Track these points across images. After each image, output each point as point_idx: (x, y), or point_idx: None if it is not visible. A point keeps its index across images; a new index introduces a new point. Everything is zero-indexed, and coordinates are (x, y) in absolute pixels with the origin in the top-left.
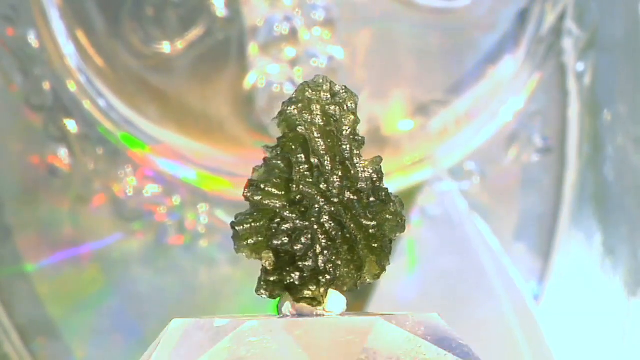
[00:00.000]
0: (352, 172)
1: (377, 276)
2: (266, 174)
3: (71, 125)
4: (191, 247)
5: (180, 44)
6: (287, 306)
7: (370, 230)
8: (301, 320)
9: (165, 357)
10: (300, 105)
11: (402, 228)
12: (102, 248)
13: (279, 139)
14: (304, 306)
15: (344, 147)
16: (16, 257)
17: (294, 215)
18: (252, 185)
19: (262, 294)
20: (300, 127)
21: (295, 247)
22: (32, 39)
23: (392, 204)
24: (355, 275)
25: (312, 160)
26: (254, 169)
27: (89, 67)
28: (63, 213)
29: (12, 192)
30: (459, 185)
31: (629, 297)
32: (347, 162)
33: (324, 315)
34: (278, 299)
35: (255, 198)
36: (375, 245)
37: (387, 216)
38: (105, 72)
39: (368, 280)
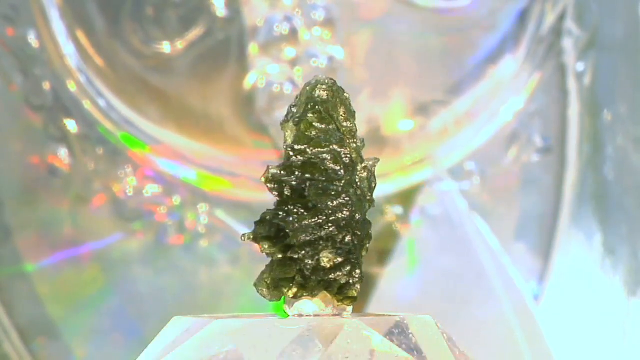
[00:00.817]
0: (369, 171)
1: None
2: (304, 171)
3: (71, 125)
4: (191, 247)
5: (180, 44)
6: (334, 303)
7: (369, 231)
8: (376, 319)
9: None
10: (328, 105)
11: None
12: (102, 248)
13: (309, 139)
14: (321, 306)
15: (360, 146)
16: (16, 257)
17: (345, 215)
18: (313, 184)
19: (296, 296)
20: (338, 126)
21: (352, 246)
22: (32, 39)
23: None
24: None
25: (355, 160)
26: (269, 167)
27: (89, 67)
28: (63, 213)
29: (12, 192)
30: (459, 185)
31: (629, 297)
32: (365, 161)
33: (343, 315)
34: (283, 299)
35: (322, 198)
36: (368, 245)
37: None
38: (105, 72)
39: None
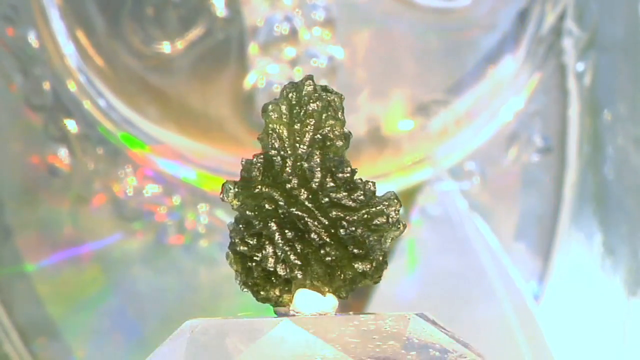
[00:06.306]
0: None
1: None
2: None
3: (71, 125)
4: (191, 247)
5: (180, 44)
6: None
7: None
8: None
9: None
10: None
11: None
12: (102, 248)
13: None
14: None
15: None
16: (16, 257)
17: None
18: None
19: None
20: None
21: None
22: (32, 39)
23: None
24: None
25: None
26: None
27: (89, 67)
28: (63, 213)
29: (12, 192)
30: (459, 185)
31: (629, 297)
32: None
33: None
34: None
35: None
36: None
37: None
38: (105, 72)
39: None
